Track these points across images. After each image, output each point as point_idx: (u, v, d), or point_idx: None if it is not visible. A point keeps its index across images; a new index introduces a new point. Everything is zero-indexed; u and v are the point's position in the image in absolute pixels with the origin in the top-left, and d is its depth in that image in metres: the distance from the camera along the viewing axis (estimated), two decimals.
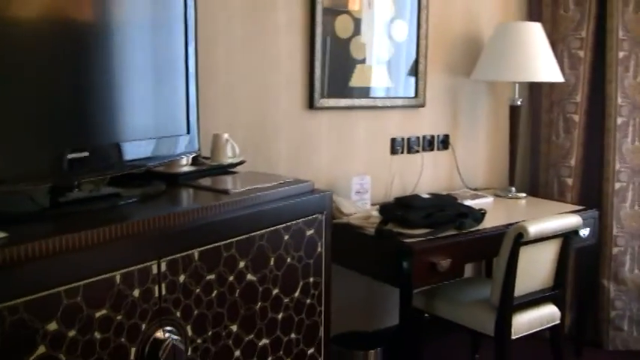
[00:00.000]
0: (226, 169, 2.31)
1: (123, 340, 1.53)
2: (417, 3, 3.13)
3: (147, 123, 1.94)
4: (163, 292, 1.61)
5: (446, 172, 3.40)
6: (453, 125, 3.40)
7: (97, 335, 1.48)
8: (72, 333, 1.42)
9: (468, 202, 2.91)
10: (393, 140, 3.18)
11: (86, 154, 1.72)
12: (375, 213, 2.75)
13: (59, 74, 1.70)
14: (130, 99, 1.88)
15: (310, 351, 2.11)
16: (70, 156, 1.69)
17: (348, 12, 2.91)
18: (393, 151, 3.18)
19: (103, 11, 1.81)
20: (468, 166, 3.48)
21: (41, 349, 1.37)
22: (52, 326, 1.39)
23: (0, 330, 1.30)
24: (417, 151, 3.27)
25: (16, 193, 1.69)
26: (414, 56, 3.17)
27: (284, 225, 1.95)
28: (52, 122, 1.68)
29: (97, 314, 1.47)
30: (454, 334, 3.04)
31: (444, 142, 3.37)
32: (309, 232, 2.05)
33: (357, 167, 3.07)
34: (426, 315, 2.87)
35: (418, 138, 3.26)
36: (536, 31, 3.20)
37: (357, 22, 2.95)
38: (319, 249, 2.09)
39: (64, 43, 1.69)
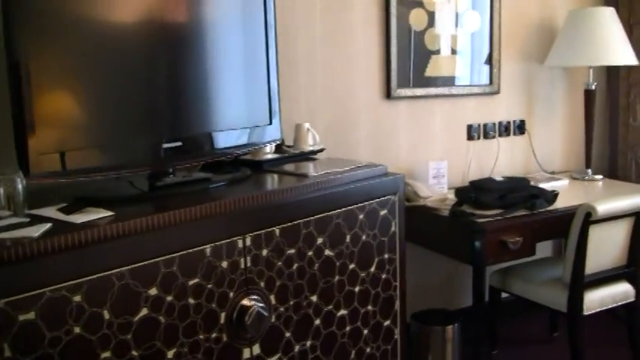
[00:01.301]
0: (307, 156, 2.49)
1: (213, 305, 1.74)
2: None
3: (234, 115, 2.15)
4: (249, 264, 1.81)
5: (522, 157, 3.49)
6: (529, 111, 3.49)
7: (191, 300, 1.69)
8: (169, 298, 1.64)
9: (543, 185, 3.00)
10: (470, 127, 3.30)
11: (180, 143, 1.95)
12: (451, 196, 2.88)
13: (157, 71, 1.93)
14: (219, 93, 2.09)
15: (386, 323, 2.27)
16: (166, 145, 1.92)
17: (422, 6, 3.04)
18: (470, 137, 3.30)
19: (195, 13, 2.03)
20: (544, 151, 3.56)
21: (144, 311, 1.59)
22: (153, 291, 1.61)
23: (110, 293, 1.53)
24: (494, 137, 3.37)
25: (119, 178, 1.93)
26: (487, 45, 3.28)
27: (358, 205, 2.12)
28: (150, 115, 1.91)
29: (191, 282, 1.68)
30: (533, 313, 3.15)
31: (520, 128, 3.46)
32: (383, 212, 2.21)
33: (435, 153, 3.20)
34: (503, 293, 2.99)
35: (494, 124, 3.37)
36: (609, 16, 3.25)
37: (431, 15, 3.08)
38: (393, 228, 2.25)
39: (160, 43, 1.92)
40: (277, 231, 1.88)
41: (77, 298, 1.47)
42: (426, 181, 3.05)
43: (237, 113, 2.16)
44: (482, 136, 3.34)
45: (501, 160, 3.40)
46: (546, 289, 2.74)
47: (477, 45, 3.26)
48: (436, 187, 3.04)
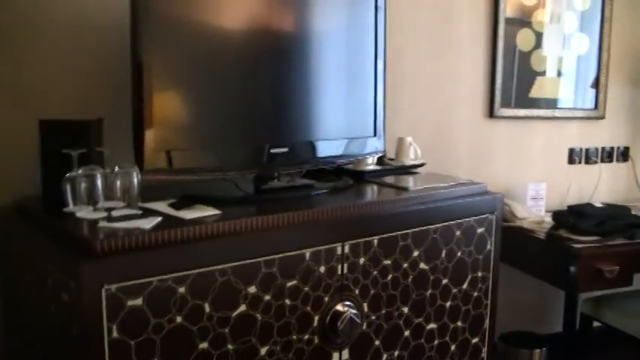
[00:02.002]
0: (408, 170, 2.52)
1: (308, 308, 1.78)
2: (601, 16, 3.19)
3: (339, 125, 2.20)
4: (345, 271, 1.85)
5: (624, 184, 3.41)
6: (634, 137, 3.41)
7: (288, 301, 1.74)
8: (267, 297, 1.70)
9: None
10: (571, 150, 3.25)
11: (285, 149, 2.01)
12: (548, 219, 2.85)
13: (265, 79, 2.00)
14: (324, 103, 2.14)
15: (475, 340, 2.27)
16: (272, 151, 1.98)
17: (530, 26, 3.03)
18: (571, 161, 3.26)
19: (304, 24, 2.09)
20: None
21: (242, 307, 1.65)
22: (252, 289, 1.67)
23: (212, 287, 1.59)
24: (595, 162, 3.32)
25: (226, 180, 2.00)
26: (595, 69, 3.23)
27: (456, 222, 2.13)
28: (257, 122, 1.98)
29: (289, 284, 1.73)
30: (626, 345, 3.07)
31: (624, 154, 3.38)
32: (480, 230, 2.21)
33: (534, 174, 3.17)
34: (595, 322, 2.93)
35: (597, 149, 3.31)
36: None
37: (539, 36, 3.06)
38: (489, 246, 2.25)
39: (269, 51, 1.99)
40: (375, 241, 1.91)
41: (181, 290, 1.55)
42: (524, 202, 3.02)
43: (341, 124, 2.21)
44: (583, 161, 3.29)
45: (602, 186, 3.33)
46: None
47: (583, 68, 3.21)
48: (533, 208, 3.01)
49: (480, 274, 2.24)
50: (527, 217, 2.87)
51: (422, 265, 2.05)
